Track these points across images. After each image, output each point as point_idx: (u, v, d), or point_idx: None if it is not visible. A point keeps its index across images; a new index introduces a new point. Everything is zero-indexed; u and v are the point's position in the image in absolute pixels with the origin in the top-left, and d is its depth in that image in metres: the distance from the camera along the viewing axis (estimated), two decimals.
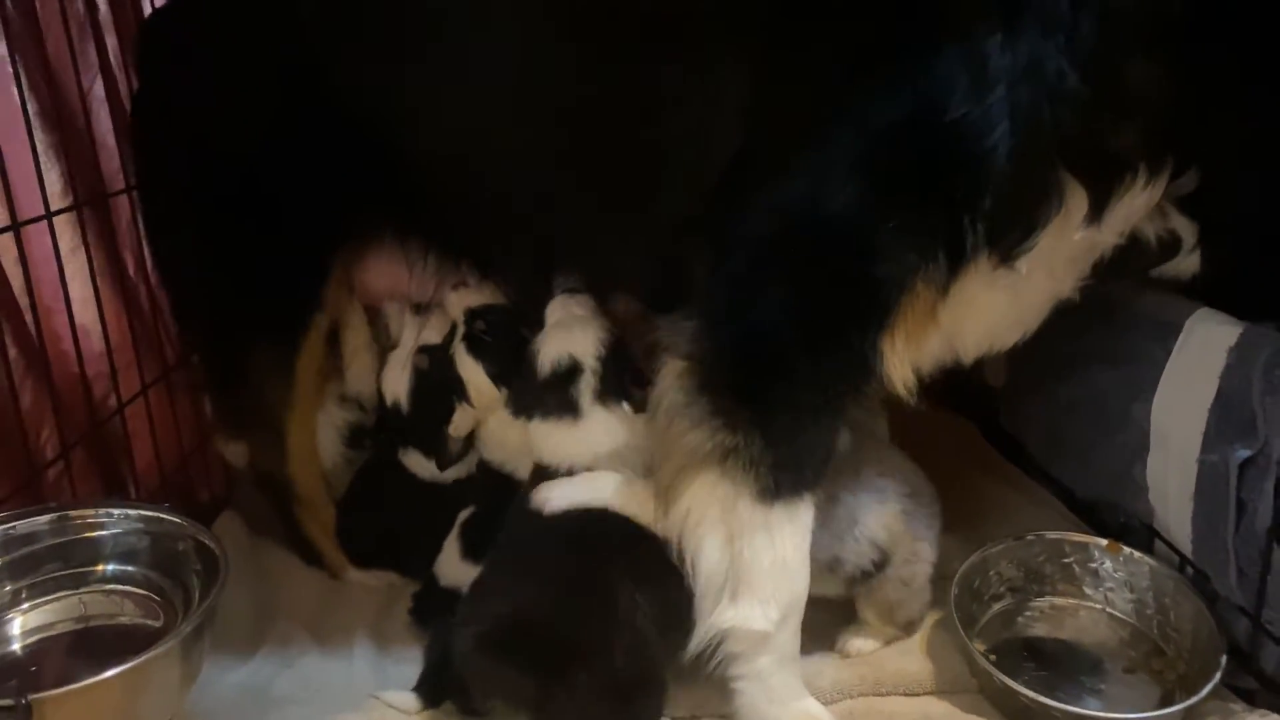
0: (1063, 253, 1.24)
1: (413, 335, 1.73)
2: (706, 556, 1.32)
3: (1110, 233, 1.22)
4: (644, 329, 1.44)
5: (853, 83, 1.21)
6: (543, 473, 1.47)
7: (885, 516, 1.47)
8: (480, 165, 1.51)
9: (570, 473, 1.44)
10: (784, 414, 1.28)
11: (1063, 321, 1.60)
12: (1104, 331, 1.60)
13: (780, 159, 1.26)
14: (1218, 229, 1.26)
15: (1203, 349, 1.40)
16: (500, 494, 1.58)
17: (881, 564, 1.46)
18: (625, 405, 1.46)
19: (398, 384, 1.72)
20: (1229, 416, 1.34)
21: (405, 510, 1.74)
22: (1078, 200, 1.16)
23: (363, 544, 1.77)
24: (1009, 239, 1.18)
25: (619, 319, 1.55)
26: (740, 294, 1.29)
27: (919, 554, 1.50)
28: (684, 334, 1.32)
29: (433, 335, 1.72)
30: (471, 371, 1.61)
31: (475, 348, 1.62)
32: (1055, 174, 1.14)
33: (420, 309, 1.74)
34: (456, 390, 1.62)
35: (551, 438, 1.47)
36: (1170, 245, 1.27)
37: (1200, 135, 1.16)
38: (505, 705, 1.33)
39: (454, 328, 1.66)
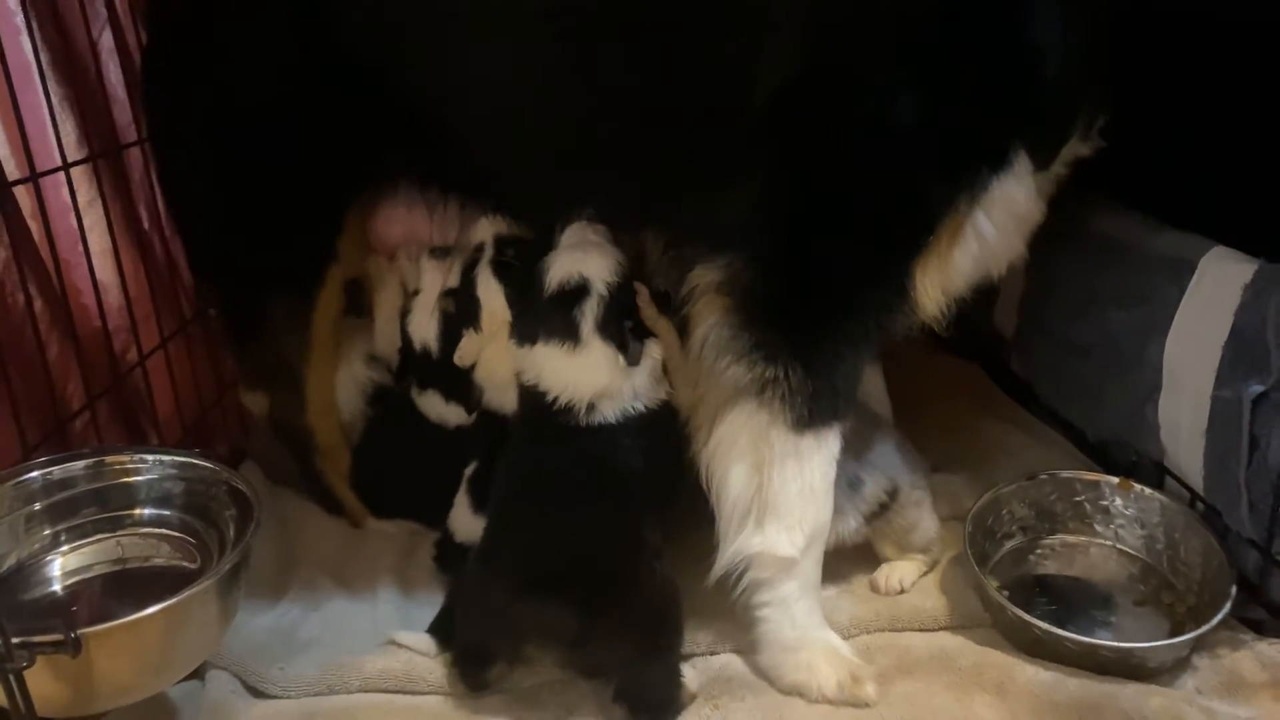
0: (1063, 160, 1.36)
1: (436, 280, 1.73)
2: (734, 482, 1.36)
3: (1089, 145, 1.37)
4: (670, 267, 1.45)
5: (917, 4, 1.24)
6: (534, 399, 1.43)
7: (888, 442, 1.51)
8: (509, 100, 1.50)
9: (569, 408, 1.40)
10: (826, 344, 1.31)
11: (1075, 264, 1.62)
12: (1117, 274, 1.61)
13: (839, 81, 1.27)
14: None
15: (1217, 286, 1.41)
16: (500, 443, 1.57)
17: (894, 493, 1.50)
18: (615, 349, 1.40)
19: (426, 329, 1.72)
20: (1243, 353, 1.36)
21: (418, 459, 1.75)
22: (1088, 117, 1.30)
23: (378, 494, 1.79)
24: (1050, 147, 1.29)
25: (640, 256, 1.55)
26: (787, 225, 1.31)
27: (917, 481, 1.55)
28: (725, 269, 1.33)
29: (453, 279, 1.72)
30: (492, 294, 1.58)
31: (501, 271, 1.59)
32: (1091, 90, 1.27)
33: (441, 253, 1.74)
34: (468, 315, 1.61)
35: (552, 362, 1.41)
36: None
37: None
38: (540, 647, 1.34)
39: (480, 249, 1.63)
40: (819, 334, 1.32)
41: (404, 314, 1.78)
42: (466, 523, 1.61)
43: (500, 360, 1.59)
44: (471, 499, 1.62)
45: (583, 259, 1.45)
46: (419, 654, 1.43)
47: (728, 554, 1.37)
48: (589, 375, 1.40)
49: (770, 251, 1.32)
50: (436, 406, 1.75)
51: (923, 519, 1.55)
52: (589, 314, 1.41)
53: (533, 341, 1.43)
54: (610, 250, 1.48)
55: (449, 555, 1.61)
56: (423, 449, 1.75)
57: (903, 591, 1.52)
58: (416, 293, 1.76)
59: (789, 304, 1.32)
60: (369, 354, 1.83)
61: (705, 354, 1.36)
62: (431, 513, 1.71)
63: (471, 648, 1.37)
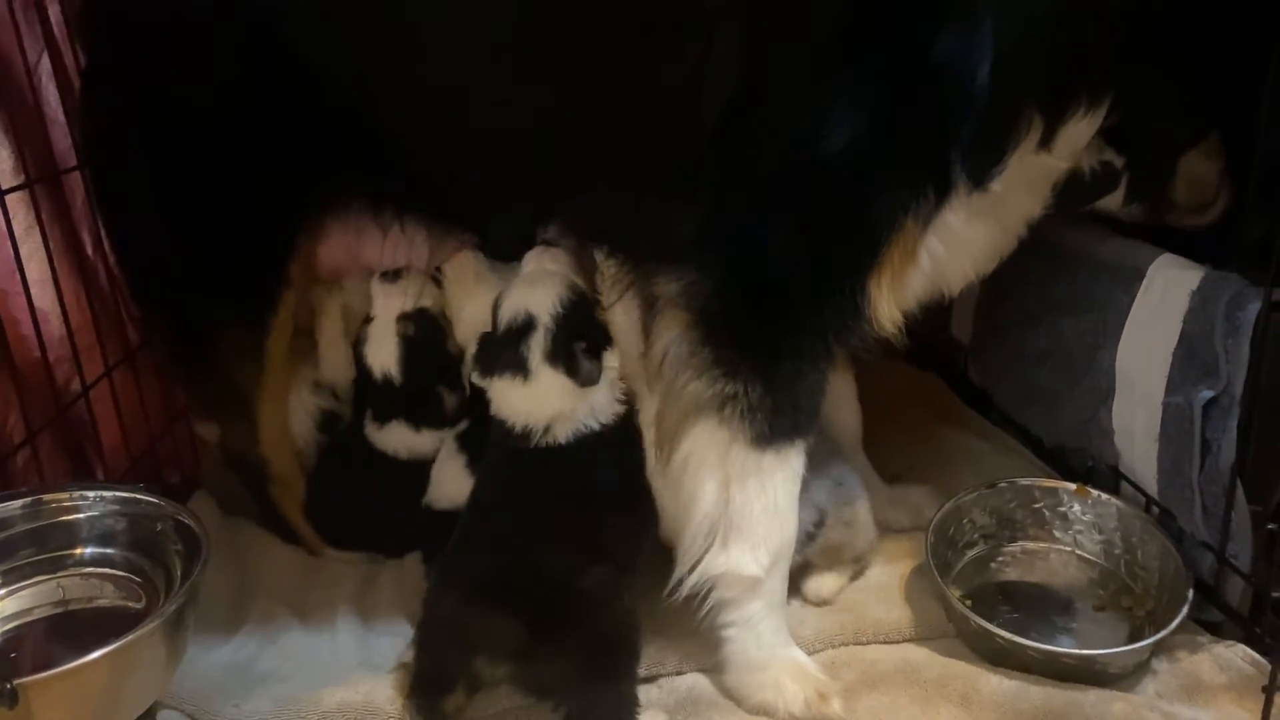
0: (1026, 177, 1.33)
1: (391, 305, 1.70)
2: (699, 501, 1.35)
3: (1060, 157, 1.32)
4: (634, 282, 1.44)
5: (850, 24, 1.24)
6: (498, 427, 1.45)
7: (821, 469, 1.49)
8: (463, 117, 1.47)
9: (527, 433, 1.42)
10: (784, 361, 1.31)
11: (1028, 273, 1.64)
12: (1069, 282, 1.63)
13: (779, 101, 1.27)
14: (1140, 162, 1.41)
15: (1165, 294, 1.43)
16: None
17: (820, 523, 1.49)
18: (565, 375, 1.41)
19: (385, 355, 1.69)
20: (1192, 359, 1.38)
21: (373, 491, 1.72)
22: (1036, 126, 1.26)
23: (334, 525, 1.75)
24: (985, 164, 1.27)
25: (595, 273, 1.54)
26: (740, 241, 1.30)
27: (850, 496, 1.54)
28: (684, 285, 1.32)
29: (409, 302, 1.70)
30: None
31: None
32: (1026, 104, 1.24)
33: (392, 277, 1.71)
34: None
35: (507, 394, 1.44)
36: (1104, 178, 1.41)
37: (1127, 79, 1.28)
38: (489, 661, 1.32)
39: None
40: (776, 350, 1.31)
41: (358, 342, 1.75)
42: (453, 484, 1.58)
43: (466, 313, 1.63)
44: (465, 455, 1.60)
45: (528, 294, 1.47)
46: (386, 684, 1.39)
47: (693, 574, 1.36)
48: (541, 404, 1.42)
49: (724, 268, 1.32)
50: (405, 439, 1.72)
51: (854, 538, 1.55)
52: (536, 348, 1.43)
53: (490, 375, 1.46)
54: (561, 280, 1.49)
55: (431, 532, 1.56)
56: (377, 481, 1.72)
57: (825, 603, 1.53)
58: (369, 320, 1.73)
59: (745, 321, 1.32)
60: (315, 381, 1.80)
61: (666, 369, 1.36)
62: (390, 543, 1.69)
63: (428, 672, 1.35)
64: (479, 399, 1.60)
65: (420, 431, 1.70)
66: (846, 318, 1.30)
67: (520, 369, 1.42)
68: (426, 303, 1.72)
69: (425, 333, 1.68)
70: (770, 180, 1.29)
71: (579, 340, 1.43)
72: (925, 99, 1.22)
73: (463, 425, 1.65)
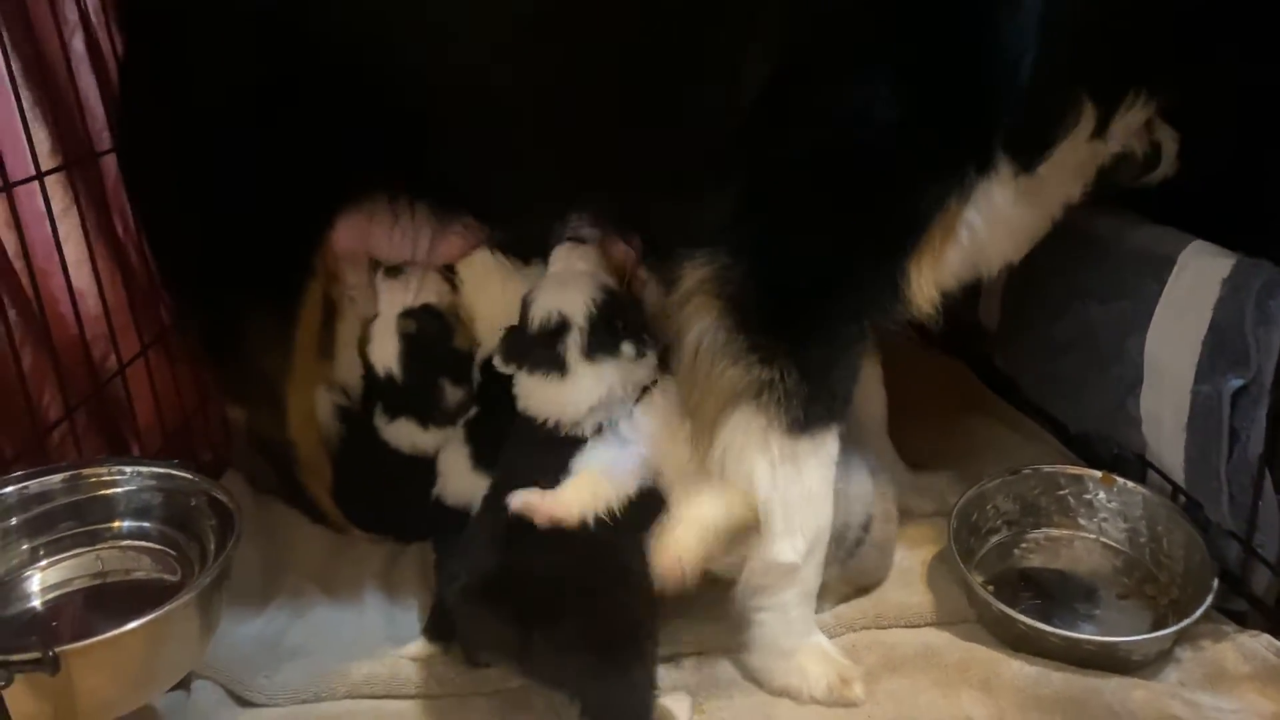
0: (1072, 162, 1.31)
1: (394, 301, 1.69)
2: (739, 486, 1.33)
3: (1114, 143, 1.30)
4: (658, 272, 1.45)
5: (896, 2, 1.23)
6: (524, 421, 1.45)
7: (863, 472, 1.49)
8: (496, 101, 1.46)
9: (557, 427, 1.43)
10: (820, 346, 1.30)
11: (1056, 260, 1.63)
12: (1097, 268, 1.62)
13: (822, 81, 1.26)
14: (1197, 139, 1.37)
15: (1196, 281, 1.42)
16: (497, 390, 1.56)
17: (868, 525, 1.48)
18: (620, 351, 1.44)
19: (387, 353, 1.69)
20: (1222, 347, 1.36)
21: (386, 482, 1.73)
22: (1089, 115, 1.24)
23: (356, 513, 1.77)
24: (1034, 151, 1.26)
25: (622, 264, 1.55)
26: (777, 225, 1.30)
27: (889, 513, 1.53)
28: (717, 271, 1.31)
29: (412, 298, 1.69)
30: None
31: None
32: (1074, 92, 1.23)
33: (395, 272, 1.70)
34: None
35: (538, 392, 1.45)
36: (1153, 157, 1.37)
37: (1185, 61, 1.26)
38: (492, 656, 1.35)
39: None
40: (814, 336, 1.30)
41: (362, 341, 1.74)
42: (459, 479, 1.57)
43: (488, 310, 1.63)
44: (471, 449, 1.59)
45: (560, 295, 1.47)
46: (412, 660, 1.42)
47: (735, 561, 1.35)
48: (578, 399, 1.43)
49: (760, 253, 1.31)
50: (411, 435, 1.71)
51: (880, 565, 1.54)
52: (573, 346, 1.44)
53: (519, 367, 1.47)
54: (591, 279, 1.49)
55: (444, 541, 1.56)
56: (390, 472, 1.73)
57: None
58: (374, 317, 1.72)
59: (781, 306, 1.31)
60: (328, 379, 1.79)
61: (701, 358, 1.35)
62: (404, 531, 1.71)
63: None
64: (488, 388, 1.64)
65: (428, 429, 1.70)
66: (884, 301, 1.30)
67: (558, 367, 1.43)
68: (431, 298, 1.70)
69: (428, 329, 1.67)
70: (810, 162, 1.28)
71: (619, 326, 1.44)
72: (971, 81, 1.22)
73: (471, 412, 1.64)
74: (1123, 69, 1.24)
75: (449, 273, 1.71)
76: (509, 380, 1.50)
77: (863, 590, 1.54)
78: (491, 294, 1.68)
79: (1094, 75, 1.23)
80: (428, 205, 1.63)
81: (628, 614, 1.30)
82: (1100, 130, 1.26)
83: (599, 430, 1.44)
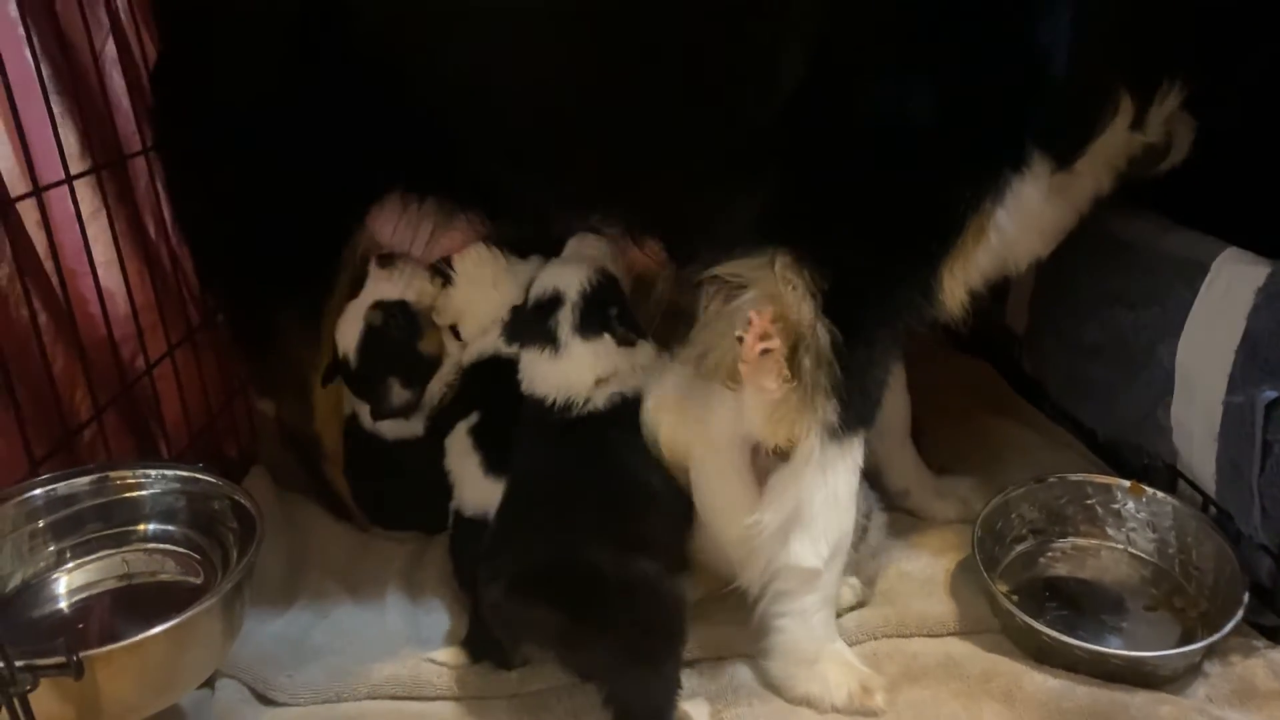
0: (1106, 154, 1.31)
1: (377, 289, 1.69)
2: (769, 491, 1.33)
3: (1152, 133, 1.31)
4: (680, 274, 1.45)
5: (930, 4, 1.23)
6: (534, 405, 1.48)
7: None
8: (523, 100, 1.47)
9: (567, 405, 1.45)
10: (857, 350, 1.29)
11: (1087, 264, 1.60)
12: (1128, 274, 1.59)
13: (855, 84, 1.26)
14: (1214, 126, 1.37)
15: (1230, 289, 1.39)
16: (499, 390, 1.57)
17: (868, 513, 1.49)
18: (607, 336, 1.47)
19: (349, 337, 1.69)
20: (1255, 357, 1.33)
21: (376, 471, 1.76)
22: (1126, 109, 1.24)
23: (364, 505, 1.80)
24: (1072, 145, 1.27)
25: (640, 264, 1.55)
26: (809, 228, 1.29)
27: (872, 516, 1.54)
28: (748, 274, 1.31)
29: (395, 291, 1.69)
30: None
31: None
32: (1112, 84, 1.23)
33: (387, 261, 1.70)
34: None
35: (536, 368, 1.49)
36: (1165, 146, 1.37)
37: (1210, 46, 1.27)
38: (534, 646, 1.36)
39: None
40: (850, 339, 1.29)
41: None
42: (474, 489, 1.57)
43: (480, 308, 1.66)
44: (482, 457, 1.58)
45: (559, 273, 1.52)
46: (436, 662, 1.43)
47: (758, 567, 1.35)
48: (575, 374, 1.46)
49: (792, 256, 1.29)
50: (391, 425, 1.74)
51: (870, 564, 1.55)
52: (564, 321, 1.47)
53: (521, 345, 1.51)
54: (591, 263, 1.52)
55: (462, 551, 1.58)
56: (377, 461, 1.75)
57: None
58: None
59: (812, 309, 1.29)
60: None
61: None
62: (428, 519, 1.71)
63: (483, 650, 1.42)
64: (471, 390, 1.65)
65: (375, 421, 1.72)
66: (918, 304, 1.30)
67: (549, 341, 1.47)
68: (411, 296, 1.70)
69: (392, 326, 1.68)
70: (843, 165, 1.28)
71: (611, 309, 1.48)
72: (1006, 80, 1.22)
73: (473, 419, 1.64)
74: (1158, 58, 1.24)
75: (445, 265, 1.70)
76: (506, 380, 1.53)
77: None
78: (484, 289, 1.68)
79: (1131, 66, 1.23)
80: (437, 200, 1.63)
81: (666, 609, 1.32)
82: (1139, 121, 1.26)
83: (615, 409, 1.45)
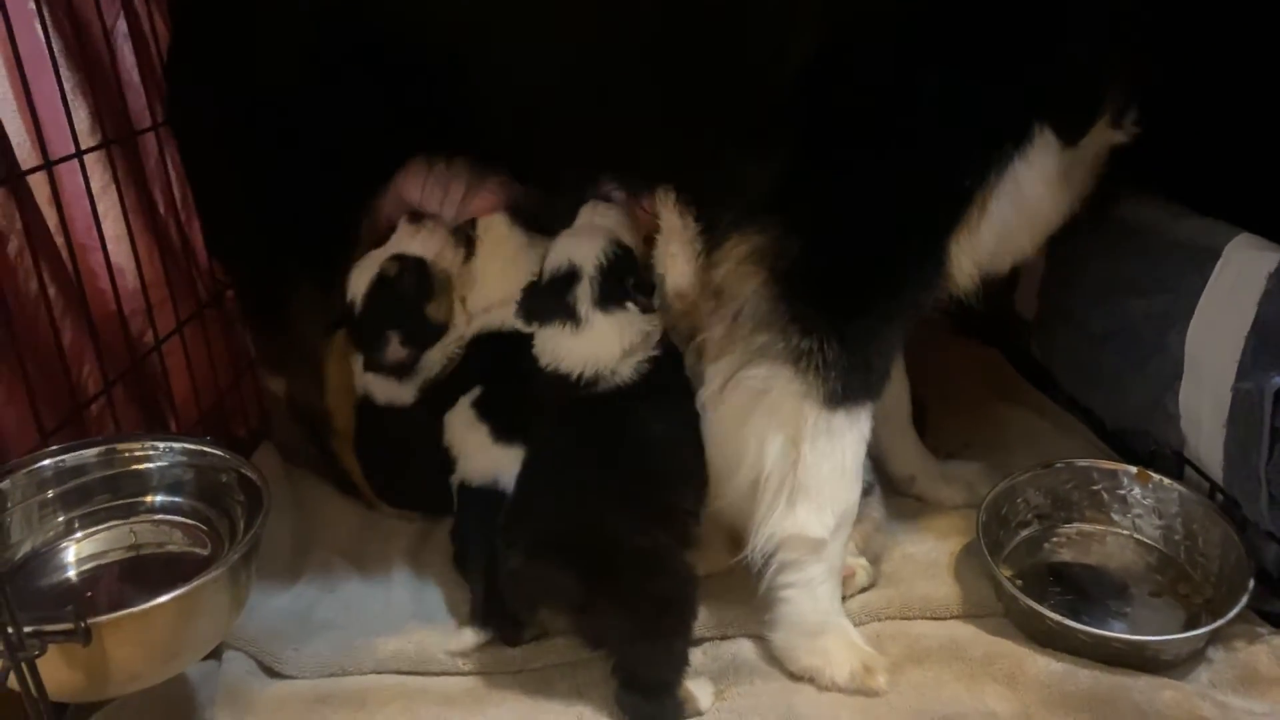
0: (1093, 148, 1.33)
1: (398, 241, 1.69)
2: (770, 455, 1.34)
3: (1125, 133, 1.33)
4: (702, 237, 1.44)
5: None
6: (556, 380, 1.46)
7: None
8: (545, 61, 1.47)
9: (593, 380, 1.44)
10: (864, 319, 1.30)
11: (1097, 251, 1.59)
12: (1138, 260, 1.58)
13: (868, 55, 1.25)
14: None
15: (1241, 275, 1.38)
16: (503, 362, 1.58)
17: (869, 488, 1.49)
18: (630, 305, 1.46)
19: (360, 283, 1.67)
20: (1266, 344, 1.33)
21: (383, 444, 1.75)
22: (1119, 92, 1.26)
23: (373, 481, 1.80)
24: (1077, 124, 1.27)
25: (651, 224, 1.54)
26: (821, 197, 1.30)
27: (873, 488, 1.54)
28: (760, 240, 1.31)
29: (417, 248, 1.68)
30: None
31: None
32: (1117, 71, 1.24)
33: (417, 218, 1.70)
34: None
35: (557, 343, 1.46)
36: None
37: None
38: (550, 611, 1.38)
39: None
40: (858, 309, 1.30)
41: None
42: (485, 455, 1.56)
43: (493, 280, 1.65)
44: (490, 426, 1.58)
45: (573, 245, 1.50)
46: (442, 637, 1.44)
47: (763, 536, 1.35)
48: (600, 347, 1.44)
49: (808, 224, 1.30)
50: (383, 388, 1.73)
51: (881, 535, 1.55)
52: (583, 296, 1.45)
53: (540, 322, 1.48)
54: (604, 234, 1.51)
55: (467, 515, 1.57)
56: (382, 433, 1.75)
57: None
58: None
59: (828, 278, 1.30)
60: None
61: (741, 324, 1.35)
62: (428, 499, 1.72)
63: (497, 622, 1.43)
64: (474, 362, 1.64)
65: (365, 373, 1.71)
66: (930, 276, 1.30)
67: (571, 316, 1.45)
68: (430, 255, 1.69)
69: (406, 279, 1.66)
70: (855, 136, 1.28)
71: (629, 279, 1.47)
72: (1016, 53, 1.21)
73: (475, 393, 1.63)
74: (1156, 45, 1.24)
75: (470, 229, 1.70)
76: (510, 354, 1.53)
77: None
78: (503, 258, 1.68)
79: (1131, 56, 1.23)
80: (466, 161, 1.64)
81: (681, 581, 1.32)
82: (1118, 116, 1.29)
83: (644, 377, 1.45)
